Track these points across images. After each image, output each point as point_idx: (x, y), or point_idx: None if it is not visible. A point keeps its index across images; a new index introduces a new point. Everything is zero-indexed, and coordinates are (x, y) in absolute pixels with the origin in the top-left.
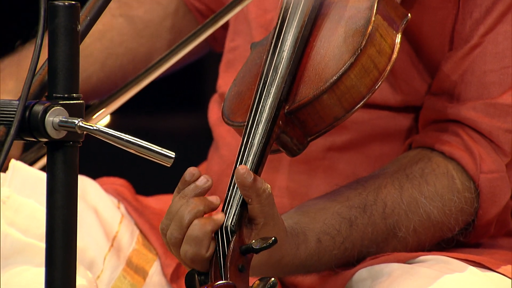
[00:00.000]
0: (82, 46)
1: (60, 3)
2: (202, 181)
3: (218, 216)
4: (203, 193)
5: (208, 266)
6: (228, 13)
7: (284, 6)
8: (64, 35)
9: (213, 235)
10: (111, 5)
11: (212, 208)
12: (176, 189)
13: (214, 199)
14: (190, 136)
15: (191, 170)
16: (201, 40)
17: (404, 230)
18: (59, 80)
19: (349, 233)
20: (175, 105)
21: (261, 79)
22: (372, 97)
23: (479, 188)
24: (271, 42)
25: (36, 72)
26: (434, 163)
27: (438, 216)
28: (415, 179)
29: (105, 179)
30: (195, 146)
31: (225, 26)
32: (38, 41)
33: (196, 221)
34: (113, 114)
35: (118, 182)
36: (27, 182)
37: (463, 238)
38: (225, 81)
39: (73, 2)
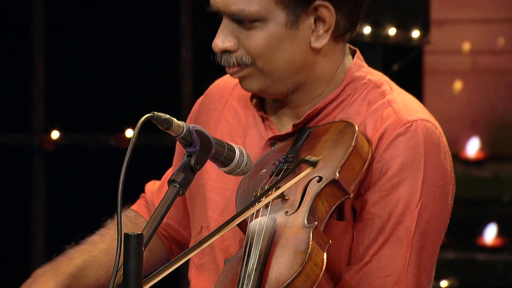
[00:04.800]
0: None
1: (132, 234)
2: None
3: None
4: None
5: None
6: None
7: (250, 236)
8: (134, 255)
9: None
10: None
11: None
12: None
13: None
14: None
15: None
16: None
17: None
18: (131, 285)
19: None
20: None
21: (238, 282)
22: None
23: None
24: (243, 259)
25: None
26: None
27: None
28: None
29: None
30: None
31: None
32: (117, 258)
33: None
34: None
35: None
36: None
37: None
38: (197, 283)
39: (139, 233)
